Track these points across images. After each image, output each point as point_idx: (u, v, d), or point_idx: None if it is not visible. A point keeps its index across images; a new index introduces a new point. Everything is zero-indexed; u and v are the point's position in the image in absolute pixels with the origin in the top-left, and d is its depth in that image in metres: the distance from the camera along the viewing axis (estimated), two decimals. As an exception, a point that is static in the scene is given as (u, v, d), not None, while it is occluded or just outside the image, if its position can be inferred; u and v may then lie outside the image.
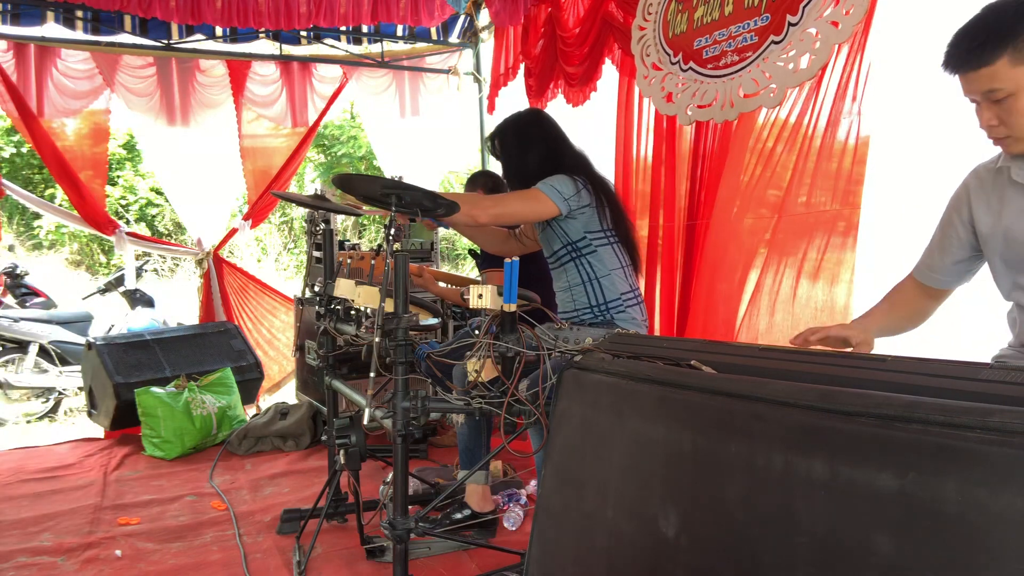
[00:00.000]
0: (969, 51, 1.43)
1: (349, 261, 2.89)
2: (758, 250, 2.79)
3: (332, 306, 2.51)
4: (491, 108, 4.91)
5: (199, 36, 4.78)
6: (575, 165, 2.53)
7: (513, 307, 1.78)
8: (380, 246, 2.47)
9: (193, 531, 2.80)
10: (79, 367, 5.00)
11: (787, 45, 2.51)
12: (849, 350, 1.63)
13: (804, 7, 2.44)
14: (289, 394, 5.00)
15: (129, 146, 10.51)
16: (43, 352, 5.60)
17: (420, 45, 5.41)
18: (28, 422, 5.50)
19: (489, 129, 5.52)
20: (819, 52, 2.41)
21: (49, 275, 9.42)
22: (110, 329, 5.74)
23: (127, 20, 4.54)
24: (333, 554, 2.55)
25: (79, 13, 4.39)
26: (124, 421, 3.97)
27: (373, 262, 2.64)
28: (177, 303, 7.79)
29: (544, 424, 1.67)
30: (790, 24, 2.49)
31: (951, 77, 1.50)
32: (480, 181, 3.52)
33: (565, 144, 2.61)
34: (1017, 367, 0.94)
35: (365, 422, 1.92)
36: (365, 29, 5.14)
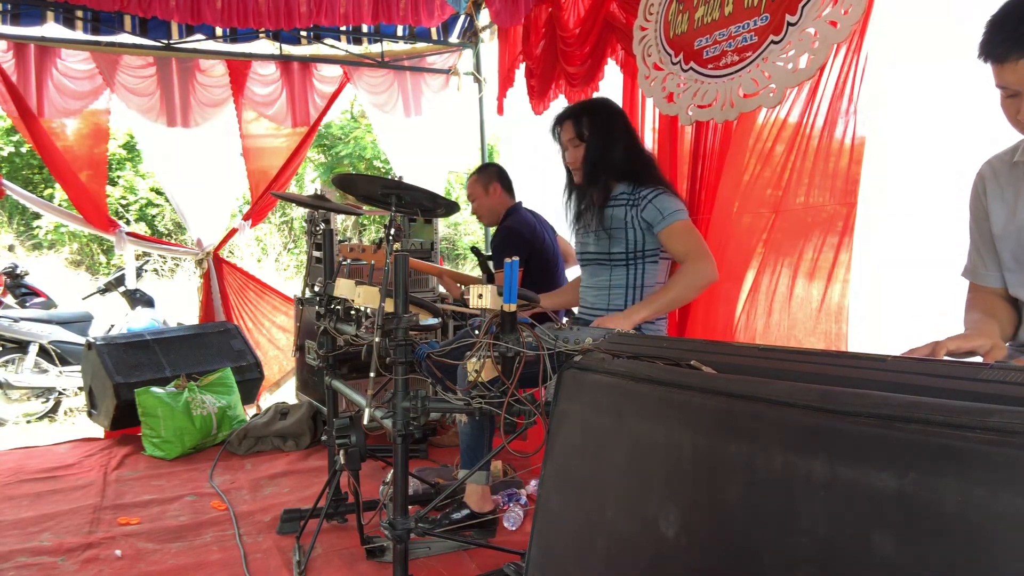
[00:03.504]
0: None
1: (348, 258, 2.88)
2: (756, 249, 2.79)
3: (332, 306, 2.52)
4: (500, 109, 4.85)
5: (199, 36, 4.78)
6: (649, 163, 2.58)
7: (513, 307, 1.78)
8: (380, 241, 2.44)
9: (193, 531, 2.80)
10: (79, 367, 5.00)
11: (786, 45, 2.51)
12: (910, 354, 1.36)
13: (803, 7, 2.44)
14: (289, 394, 5.00)
15: (129, 146, 10.52)
16: (43, 352, 5.60)
17: (420, 45, 5.41)
18: (28, 422, 5.50)
19: (490, 129, 5.53)
20: (817, 52, 2.41)
21: (49, 275, 9.42)
22: (110, 329, 5.74)
23: (127, 20, 4.55)
24: (333, 554, 2.55)
25: (79, 13, 4.39)
26: (124, 421, 3.97)
27: (373, 261, 2.63)
28: (177, 303, 7.80)
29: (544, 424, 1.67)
30: (789, 24, 2.49)
31: (978, 67, 1.35)
32: (492, 170, 3.54)
33: (638, 140, 2.67)
34: (1017, 367, 0.93)
35: (365, 422, 1.92)
36: (365, 29, 5.13)
